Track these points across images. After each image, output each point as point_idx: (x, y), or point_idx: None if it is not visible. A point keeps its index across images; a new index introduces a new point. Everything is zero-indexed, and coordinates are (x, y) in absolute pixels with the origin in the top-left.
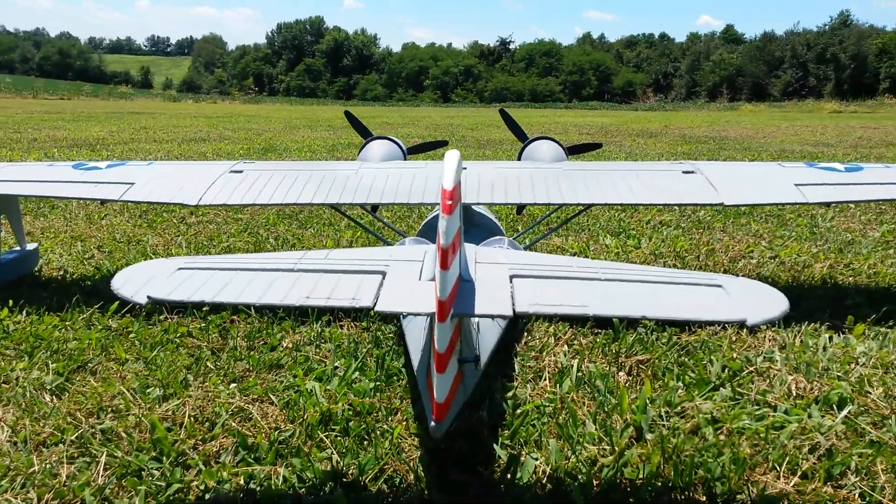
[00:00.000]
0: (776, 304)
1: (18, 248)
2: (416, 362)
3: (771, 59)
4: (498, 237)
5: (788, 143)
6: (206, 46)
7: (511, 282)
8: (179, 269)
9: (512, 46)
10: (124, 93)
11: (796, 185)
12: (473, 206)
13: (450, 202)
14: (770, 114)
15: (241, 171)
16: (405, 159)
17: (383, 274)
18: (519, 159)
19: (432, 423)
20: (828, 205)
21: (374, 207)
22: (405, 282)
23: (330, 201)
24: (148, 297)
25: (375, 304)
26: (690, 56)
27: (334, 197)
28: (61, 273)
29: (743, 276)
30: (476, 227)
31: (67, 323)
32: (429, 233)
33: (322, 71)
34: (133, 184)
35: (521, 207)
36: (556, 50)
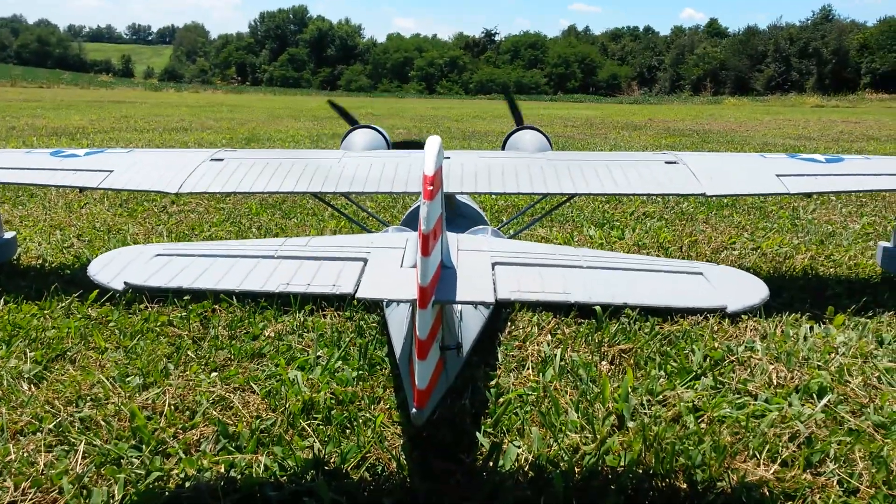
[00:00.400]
0: (756, 291)
1: None
2: (398, 350)
3: (754, 53)
4: (481, 227)
5: (771, 136)
6: (187, 35)
7: (493, 269)
8: (157, 255)
9: (497, 38)
10: (105, 81)
11: (778, 175)
12: (457, 196)
13: (431, 187)
14: (753, 108)
15: (221, 160)
16: (389, 149)
17: (364, 261)
18: (503, 149)
19: (413, 410)
20: (809, 195)
21: None
22: (386, 269)
23: (312, 189)
24: (125, 283)
25: (356, 290)
26: (675, 49)
27: (317, 185)
28: (40, 262)
29: (726, 263)
30: (460, 216)
31: (46, 311)
32: (412, 222)
33: (306, 61)
34: (112, 171)
35: None
36: (541, 42)
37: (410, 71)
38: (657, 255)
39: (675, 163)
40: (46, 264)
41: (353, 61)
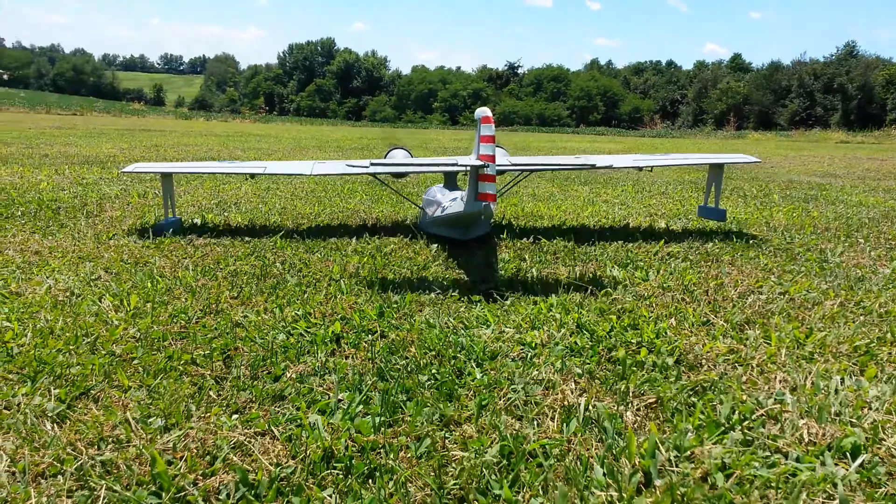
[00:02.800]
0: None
1: (173, 216)
2: (461, 208)
3: (778, 88)
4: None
5: (796, 173)
6: (218, 66)
7: None
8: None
9: (520, 71)
10: (136, 109)
11: (634, 159)
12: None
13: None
14: (777, 143)
15: (324, 162)
16: None
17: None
18: None
19: (485, 203)
20: (651, 168)
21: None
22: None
23: (388, 170)
24: (370, 162)
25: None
26: (697, 84)
27: (389, 169)
28: (68, 294)
29: (752, 312)
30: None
31: (72, 347)
32: (436, 191)
33: (332, 91)
34: (266, 167)
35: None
36: (564, 75)
37: (434, 102)
38: (682, 299)
39: (580, 157)
40: (74, 297)
41: (379, 92)
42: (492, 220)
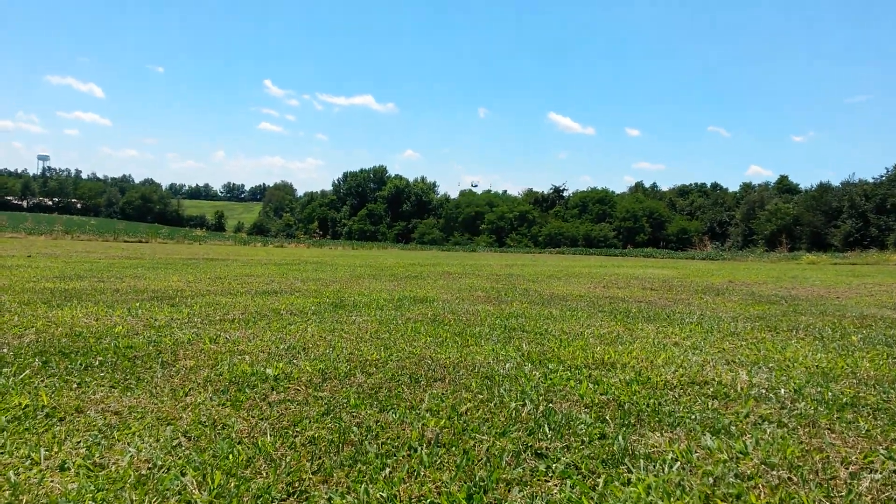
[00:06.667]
0: None
1: None
2: None
3: (829, 209)
4: None
5: (866, 305)
6: (276, 193)
7: None
8: None
9: (565, 194)
10: (198, 236)
11: None
12: None
13: None
14: (835, 267)
15: None
16: None
17: None
18: None
19: None
20: None
21: None
22: None
23: None
24: None
25: None
26: (745, 205)
27: None
28: (150, 467)
29: (872, 500)
30: None
31: None
32: None
33: (382, 216)
34: None
35: None
36: (608, 197)
37: (481, 224)
38: (789, 478)
39: None
40: (156, 470)
41: (427, 215)
42: None
